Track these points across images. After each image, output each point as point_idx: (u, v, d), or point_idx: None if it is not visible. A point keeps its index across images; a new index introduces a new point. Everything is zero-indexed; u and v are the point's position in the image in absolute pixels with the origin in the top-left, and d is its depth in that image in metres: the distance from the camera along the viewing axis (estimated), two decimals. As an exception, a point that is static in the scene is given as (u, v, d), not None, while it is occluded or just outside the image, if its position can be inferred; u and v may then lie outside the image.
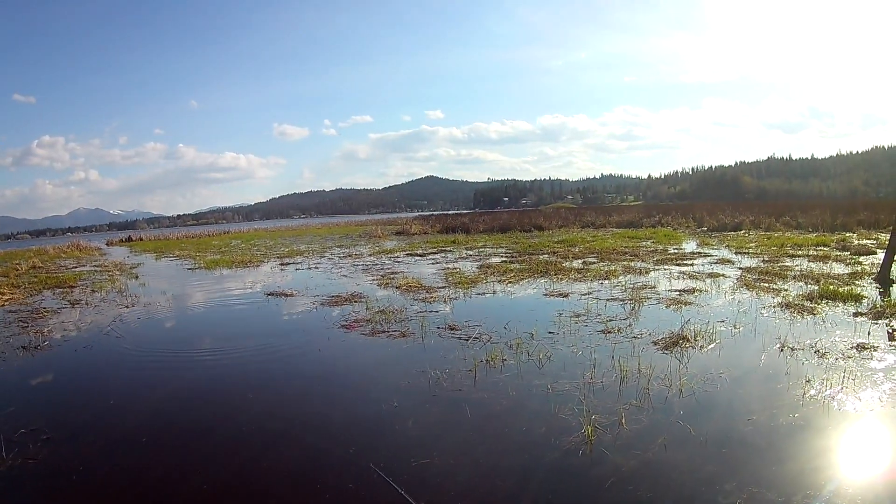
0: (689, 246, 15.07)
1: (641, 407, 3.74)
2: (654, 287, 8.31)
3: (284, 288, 10.19)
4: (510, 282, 9.47)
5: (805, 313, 6.16)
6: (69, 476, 3.17)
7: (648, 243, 16.14)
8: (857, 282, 7.99)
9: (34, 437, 3.70)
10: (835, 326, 5.59)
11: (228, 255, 19.41)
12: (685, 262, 11.29)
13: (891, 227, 9.01)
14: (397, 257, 15.50)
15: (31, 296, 10.94)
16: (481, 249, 16.41)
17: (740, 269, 9.86)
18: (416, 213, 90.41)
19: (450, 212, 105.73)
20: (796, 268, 9.57)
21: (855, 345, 4.88)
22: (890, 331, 5.36)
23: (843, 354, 4.65)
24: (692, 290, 7.81)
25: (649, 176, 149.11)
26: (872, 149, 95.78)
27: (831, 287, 7.26)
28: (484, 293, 8.55)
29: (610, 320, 6.22)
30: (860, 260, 10.43)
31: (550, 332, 5.80)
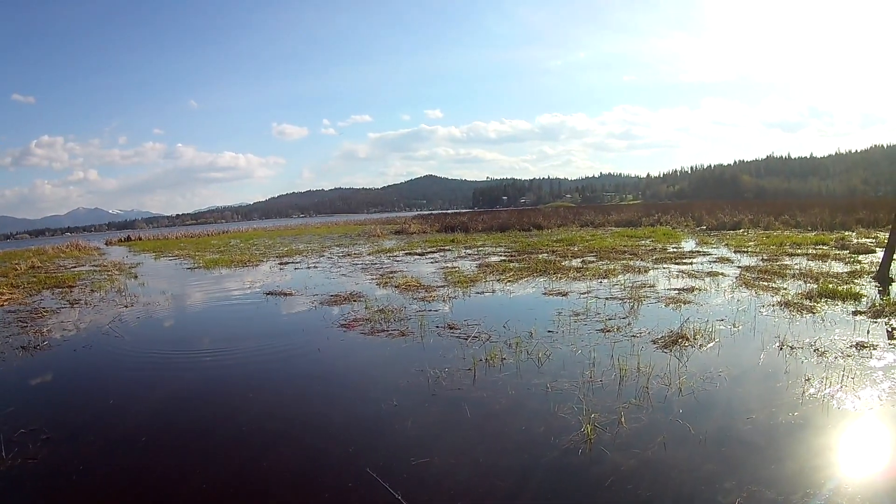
0: (689, 245, 15.08)
1: (641, 406, 3.75)
2: (653, 286, 8.32)
3: (284, 287, 10.19)
4: (509, 281, 9.48)
5: (804, 312, 6.17)
6: (69, 476, 3.17)
7: (647, 242, 16.15)
8: (856, 280, 8.00)
9: (34, 437, 3.69)
10: (834, 325, 5.60)
11: (227, 255, 19.39)
12: (684, 260, 11.29)
13: (890, 226, 9.02)
14: (396, 256, 15.50)
15: (31, 296, 10.93)
16: (480, 248, 16.42)
17: (739, 267, 9.87)
18: (416, 213, 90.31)
19: (449, 211, 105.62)
20: (795, 266, 9.58)
21: (854, 343, 4.89)
22: (889, 329, 5.37)
23: (842, 353, 4.66)
24: (691, 289, 7.81)
25: (648, 175, 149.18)
26: (871, 148, 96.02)
27: (830, 286, 7.26)
28: (483, 292, 8.55)
29: (609, 319, 6.22)
30: (859, 258, 10.44)
31: (549, 331, 5.80)
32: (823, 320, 5.81)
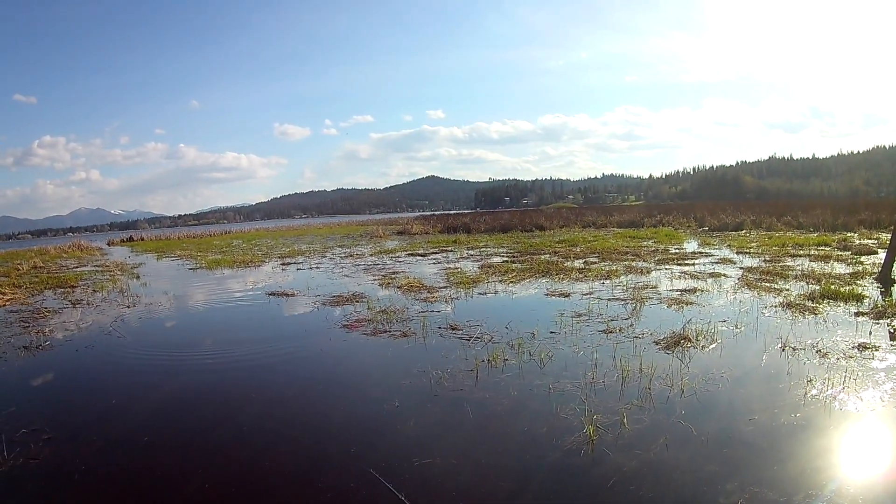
0: (691, 246, 15.06)
1: (643, 407, 3.74)
2: (655, 287, 8.31)
3: (286, 288, 10.20)
4: (511, 282, 9.47)
5: (806, 313, 6.16)
6: (70, 476, 3.18)
7: (650, 243, 16.13)
8: (858, 281, 7.98)
9: (35, 437, 3.70)
10: (836, 326, 5.58)
11: (230, 255, 19.42)
12: (686, 261, 11.28)
13: (892, 227, 8.99)
14: (398, 257, 15.51)
15: (33, 296, 10.96)
16: (482, 249, 16.41)
17: (742, 268, 9.85)
18: (418, 213, 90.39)
19: (451, 212, 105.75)
20: (798, 267, 9.55)
21: (856, 344, 4.87)
22: (891, 330, 5.35)
23: (844, 354, 4.64)
24: (693, 290, 7.80)
25: (650, 176, 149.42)
26: (874, 148, 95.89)
27: (833, 287, 7.24)
28: (485, 293, 8.55)
29: (611, 320, 6.21)
30: (861, 260, 10.41)
31: (552, 332, 5.79)
32: (825, 321, 5.79)
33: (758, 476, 2.78)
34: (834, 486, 2.67)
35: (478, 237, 22.65)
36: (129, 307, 9.08)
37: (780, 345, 4.96)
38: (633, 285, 8.45)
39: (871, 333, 5.24)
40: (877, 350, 4.72)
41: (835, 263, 10.01)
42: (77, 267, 18.43)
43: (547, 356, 4.94)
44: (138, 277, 14.13)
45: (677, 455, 3.06)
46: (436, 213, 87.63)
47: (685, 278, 9.05)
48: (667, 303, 7.04)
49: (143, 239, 42.63)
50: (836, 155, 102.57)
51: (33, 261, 19.50)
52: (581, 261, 12.10)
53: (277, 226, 72.38)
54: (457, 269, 11.67)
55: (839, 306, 6.46)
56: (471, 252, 15.66)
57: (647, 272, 9.92)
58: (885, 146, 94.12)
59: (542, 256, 13.35)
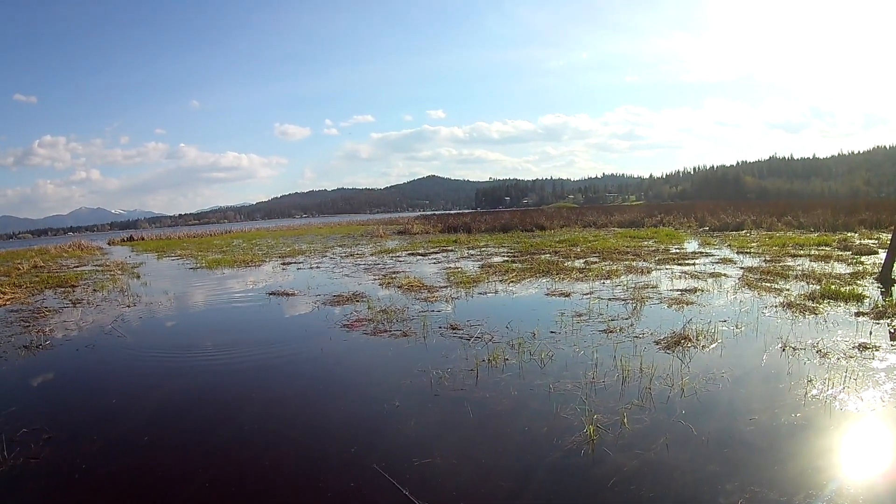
0: (691, 246, 15.05)
1: (643, 406, 3.74)
2: (655, 287, 8.30)
3: (286, 287, 10.20)
4: (512, 281, 9.47)
5: (807, 313, 6.15)
6: (71, 475, 3.18)
7: (650, 243, 16.12)
8: (858, 281, 7.97)
9: (36, 437, 3.70)
10: (836, 326, 5.58)
11: (230, 255, 19.43)
12: (687, 261, 11.27)
13: (892, 227, 8.99)
14: (399, 257, 15.51)
15: (33, 295, 10.97)
16: (483, 249, 16.41)
17: (742, 268, 9.84)
18: (418, 213, 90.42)
19: (451, 211, 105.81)
20: (798, 267, 9.55)
21: (857, 344, 4.87)
22: (892, 331, 5.35)
23: (844, 354, 4.64)
24: (694, 290, 7.80)
25: (651, 175, 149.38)
26: (874, 148, 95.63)
27: (833, 287, 7.24)
28: (486, 293, 8.55)
29: (612, 320, 6.21)
30: (862, 260, 10.40)
31: (552, 332, 5.79)
32: (826, 321, 5.79)
33: (758, 476, 2.78)
34: (834, 486, 2.67)
35: (478, 237, 22.65)
36: (129, 307, 9.09)
37: (780, 345, 4.96)
38: (633, 285, 8.45)
39: (871, 333, 5.24)
40: (877, 350, 4.72)
41: (835, 263, 10.00)
42: (77, 266, 18.44)
43: (547, 356, 4.94)
44: (139, 277, 14.14)
45: (677, 455, 3.06)
46: (436, 212, 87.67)
47: (685, 278, 9.05)
48: (667, 303, 7.04)
49: (143, 238, 42.69)
50: (836, 155, 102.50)
51: (34, 260, 19.52)
52: (581, 260, 12.10)
53: (278, 225, 72.41)
54: (457, 268, 11.67)
55: (839, 306, 6.46)
56: (471, 252, 15.66)
57: (648, 272, 9.91)
58: (885, 146, 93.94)
59: (543, 256, 13.35)
